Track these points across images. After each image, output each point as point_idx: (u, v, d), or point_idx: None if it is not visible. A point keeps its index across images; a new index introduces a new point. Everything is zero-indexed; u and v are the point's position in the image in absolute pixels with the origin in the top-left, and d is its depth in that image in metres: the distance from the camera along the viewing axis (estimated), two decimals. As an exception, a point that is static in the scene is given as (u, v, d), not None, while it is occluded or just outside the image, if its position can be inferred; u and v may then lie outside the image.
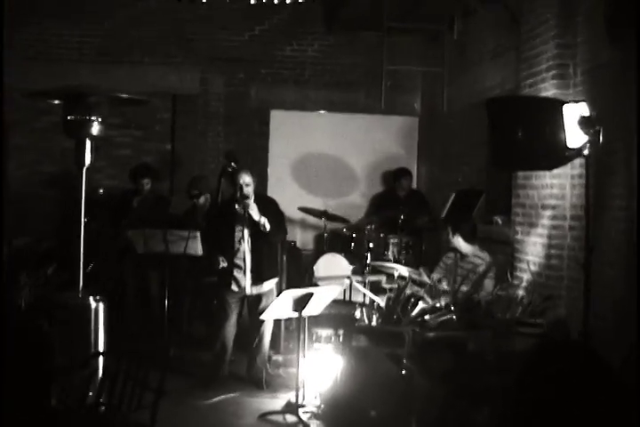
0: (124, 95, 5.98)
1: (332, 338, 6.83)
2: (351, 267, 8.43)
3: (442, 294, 6.02)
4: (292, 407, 6.15)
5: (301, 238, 10.48)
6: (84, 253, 5.98)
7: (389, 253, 8.81)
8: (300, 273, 8.91)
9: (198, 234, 7.45)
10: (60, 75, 9.41)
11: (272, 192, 8.96)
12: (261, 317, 6.49)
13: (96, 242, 8.64)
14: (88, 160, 5.88)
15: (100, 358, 5.19)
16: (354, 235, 9.16)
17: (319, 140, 10.77)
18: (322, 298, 6.20)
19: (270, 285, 7.04)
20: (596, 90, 5.89)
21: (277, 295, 6.43)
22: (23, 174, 9.97)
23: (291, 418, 6.07)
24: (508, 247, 7.27)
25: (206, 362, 7.17)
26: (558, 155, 4.83)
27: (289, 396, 6.43)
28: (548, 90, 6.38)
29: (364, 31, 10.35)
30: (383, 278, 7.62)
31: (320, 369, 6.37)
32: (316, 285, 7.87)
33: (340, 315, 7.03)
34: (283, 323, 7.62)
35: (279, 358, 7.49)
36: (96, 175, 10.03)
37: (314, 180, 10.81)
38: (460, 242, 7.04)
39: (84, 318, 5.72)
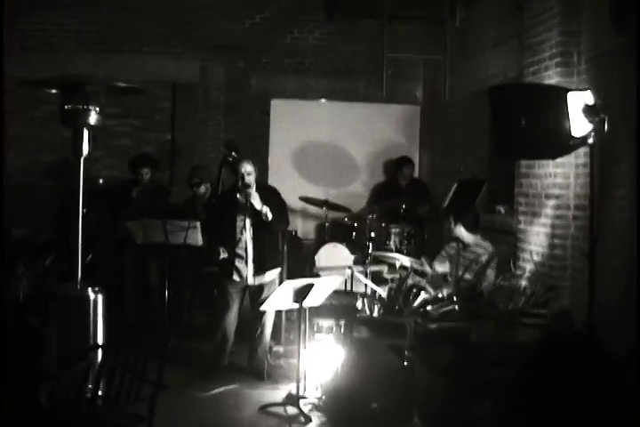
0: (122, 84, 5.90)
1: (334, 329, 6.80)
2: (352, 257, 8.40)
3: (444, 284, 5.98)
4: (292, 399, 6.12)
5: (302, 228, 10.44)
6: (82, 244, 5.91)
7: (391, 242, 8.78)
8: (300, 263, 8.86)
9: (198, 224, 7.40)
10: (58, 64, 9.36)
11: (273, 181, 8.90)
12: (261, 308, 6.44)
13: (95, 233, 8.58)
14: (86, 150, 5.80)
15: (99, 351, 5.15)
16: (355, 224, 9.14)
17: (320, 129, 10.74)
18: (323, 289, 6.15)
19: (272, 275, 6.99)
20: (600, 78, 5.81)
21: (279, 286, 6.37)
22: (22, 164, 9.92)
23: (291, 410, 6.04)
24: (511, 237, 7.22)
25: (206, 353, 7.14)
26: (562, 143, 4.76)
27: (290, 387, 6.40)
28: (552, 78, 6.30)
29: (365, 19, 10.28)
30: (385, 269, 7.57)
31: (321, 360, 6.35)
32: (317, 275, 7.82)
33: (342, 305, 6.98)
34: (284, 313, 7.57)
35: (280, 348, 7.44)
36: (95, 165, 10.01)
37: (315, 169, 10.77)
38: (462, 232, 7.00)
39: (82, 309, 5.66)
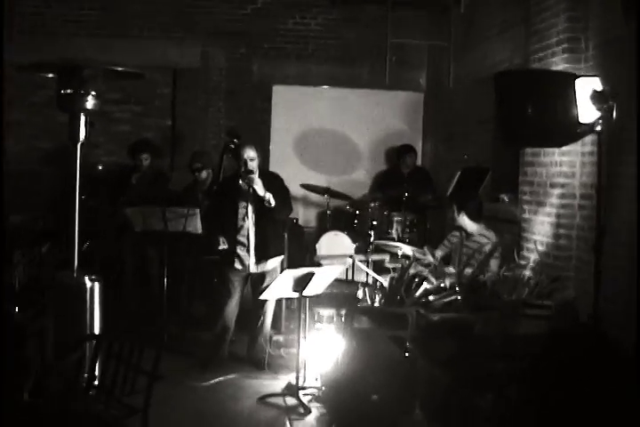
0: (120, 68, 5.79)
1: (334, 318, 6.72)
2: (354, 245, 8.34)
3: (446, 273, 5.90)
4: (292, 390, 6.06)
5: (303, 216, 10.37)
6: (80, 232, 5.81)
7: (393, 231, 8.74)
8: (301, 251, 8.79)
9: (197, 211, 7.34)
10: (57, 49, 9.28)
11: (274, 169, 8.78)
12: (261, 296, 6.35)
13: (94, 219, 8.52)
14: (83, 135, 5.69)
15: (94, 340, 5.06)
16: (357, 212, 9.10)
17: (322, 116, 10.64)
18: (323, 278, 6.08)
19: (275, 263, 6.91)
20: (608, 64, 5.70)
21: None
22: (20, 150, 9.83)
23: (291, 401, 5.98)
24: (515, 226, 7.14)
25: (206, 342, 7.06)
26: (569, 131, 4.66)
27: (289, 377, 6.34)
28: (559, 64, 6.19)
29: (368, 5, 10.18)
30: (387, 257, 7.50)
31: (321, 350, 6.28)
32: (318, 263, 7.74)
33: (343, 294, 6.91)
34: (284, 302, 7.50)
35: (280, 338, 7.37)
36: (95, 151, 9.99)
37: (316, 156, 10.68)
38: (465, 220, 6.94)
39: (79, 297, 5.57)
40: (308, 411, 5.81)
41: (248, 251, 6.78)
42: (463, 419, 4.49)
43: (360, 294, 6.26)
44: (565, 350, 4.35)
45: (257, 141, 7.50)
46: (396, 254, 7.10)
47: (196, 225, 7.36)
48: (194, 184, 8.45)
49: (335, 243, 8.53)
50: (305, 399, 5.93)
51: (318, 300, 6.58)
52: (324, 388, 6.01)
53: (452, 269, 6.36)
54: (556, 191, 6.35)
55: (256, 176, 6.59)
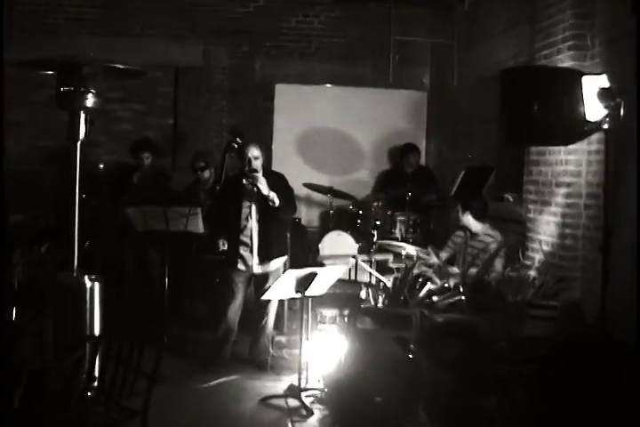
0: (120, 65, 5.72)
1: (337, 319, 6.67)
2: (357, 245, 8.29)
3: (450, 274, 5.85)
4: (294, 391, 6.00)
5: (306, 215, 10.31)
6: (82, 231, 5.75)
7: (396, 231, 8.70)
8: (304, 251, 8.73)
9: (199, 211, 7.29)
10: (58, 47, 9.22)
11: (277, 168, 8.73)
12: (263, 297, 6.29)
13: (96, 219, 8.48)
14: (82, 134, 5.61)
15: (93, 341, 5.00)
16: (360, 212, 9.06)
17: (325, 115, 10.59)
18: (326, 278, 6.03)
19: (278, 263, 6.85)
20: (614, 61, 5.63)
21: (284, 274, 6.25)
22: (20, 150, 9.78)
23: (293, 402, 5.92)
24: (520, 226, 7.08)
25: (208, 343, 6.99)
26: (576, 129, 4.59)
27: (291, 379, 6.30)
28: (564, 61, 6.13)
29: (371, 2, 10.11)
30: (390, 258, 7.45)
31: (324, 351, 6.22)
32: (321, 263, 7.69)
33: (346, 295, 6.85)
34: (286, 302, 7.44)
35: (282, 338, 7.31)
36: (96, 150, 9.95)
37: (319, 155, 10.63)
38: (470, 220, 6.89)
39: (78, 298, 5.51)
40: (310, 413, 5.74)
41: (251, 251, 6.71)
42: (467, 421, 4.44)
43: (363, 294, 6.23)
44: (572, 351, 4.29)
45: (259, 140, 7.43)
46: (400, 254, 7.06)
47: (198, 225, 7.30)
48: (196, 184, 8.40)
49: (338, 243, 8.48)
50: (307, 401, 5.86)
51: (321, 300, 6.53)
52: (326, 389, 5.94)
53: (456, 270, 6.32)
54: (562, 190, 6.29)
55: (260, 175, 6.52)
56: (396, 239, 8.24)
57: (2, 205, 6.96)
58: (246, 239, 6.71)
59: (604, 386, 3.99)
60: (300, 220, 9.61)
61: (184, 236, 7.45)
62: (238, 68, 10.35)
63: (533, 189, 6.81)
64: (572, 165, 6.18)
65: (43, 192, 9.46)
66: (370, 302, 5.95)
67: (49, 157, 9.78)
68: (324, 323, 6.66)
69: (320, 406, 5.83)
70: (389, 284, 5.87)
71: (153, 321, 7.25)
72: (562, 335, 4.73)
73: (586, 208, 6.09)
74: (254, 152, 6.59)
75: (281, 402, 5.96)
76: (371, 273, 6.72)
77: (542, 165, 6.62)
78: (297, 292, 5.96)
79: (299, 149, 10.61)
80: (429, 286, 5.61)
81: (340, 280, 6.43)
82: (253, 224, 6.69)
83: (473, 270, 5.74)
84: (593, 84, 4.54)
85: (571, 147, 5.89)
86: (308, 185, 9.22)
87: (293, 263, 7.31)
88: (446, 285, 5.62)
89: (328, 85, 10.57)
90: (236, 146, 6.63)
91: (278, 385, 6.31)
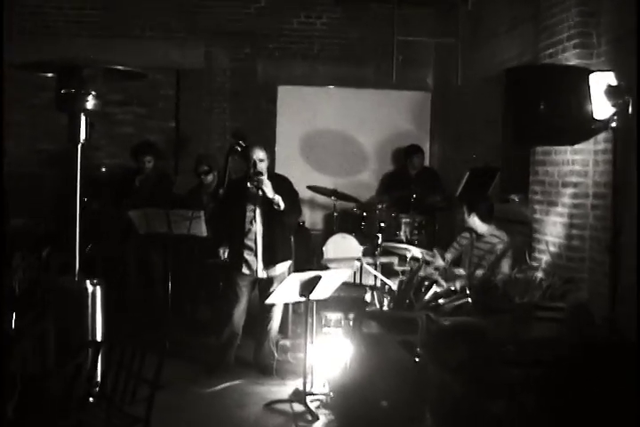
0: (120, 67, 5.67)
1: (342, 322, 6.61)
2: (362, 248, 8.22)
3: (457, 276, 5.78)
4: (299, 396, 5.93)
5: (310, 218, 10.26)
6: (84, 235, 5.69)
7: (401, 233, 8.66)
8: (308, 254, 8.67)
9: (202, 214, 7.25)
10: (58, 49, 9.16)
11: (280, 171, 8.69)
12: (267, 301, 6.23)
13: (97, 222, 8.43)
14: (83, 136, 5.55)
15: (95, 347, 4.94)
16: (364, 214, 9.02)
17: (328, 117, 10.56)
18: (331, 281, 5.96)
19: (283, 268, 6.79)
20: (621, 60, 5.55)
21: (288, 278, 6.19)
22: (21, 153, 9.73)
23: (298, 407, 5.85)
24: (526, 227, 7.02)
25: (212, 348, 6.93)
26: (584, 128, 4.51)
27: (296, 383, 6.21)
28: (570, 60, 6.07)
29: (374, 3, 10.06)
30: (395, 260, 7.40)
31: (329, 355, 6.16)
32: (326, 267, 7.63)
33: (350, 298, 6.78)
34: (290, 306, 7.36)
35: (287, 342, 7.23)
36: (98, 154, 9.93)
37: (323, 158, 10.60)
38: (476, 222, 6.83)
39: (80, 302, 5.45)
40: (315, 418, 5.68)
41: (255, 255, 6.66)
42: (474, 425, 4.37)
43: (368, 297, 6.17)
44: (580, 354, 4.23)
45: (262, 143, 7.38)
46: (405, 257, 6.99)
47: (201, 228, 7.26)
48: (199, 187, 8.35)
49: (342, 246, 8.41)
50: (313, 406, 5.80)
51: (326, 303, 6.46)
52: (332, 394, 5.88)
53: (462, 272, 6.26)
54: (569, 191, 6.22)
55: (265, 178, 6.46)
56: (401, 241, 8.17)
57: (3, 209, 6.91)
58: (250, 243, 6.65)
59: (614, 389, 3.92)
60: (303, 223, 9.55)
61: (187, 239, 7.40)
62: (240, 70, 10.29)
63: (539, 189, 6.75)
64: (578, 164, 6.11)
65: (44, 195, 9.41)
66: (375, 305, 5.87)
67: (49, 159, 9.73)
68: (328, 326, 6.60)
69: (325, 411, 5.77)
70: (395, 287, 5.81)
71: (155, 326, 7.20)
72: (570, 337, 4.67)
73: (593, 208, 6.02)
74: (259, 154, 6.54)
75: (286, 407, 5.90)
76: (376, 276, 6.66)
77: (548, 165, 6.56)
78: (301, 295, 5.89)
79: (302, 151, 10.58)
80: (435, 288, 5.54)
81: (344, 283, 6.36)
82: (258, 228, 6.63)
83: (479, 272, 5.68)
84: (601, 82, 4.46)
85: (577, 146, 5.83)
86: (311, 187, 9.16)
87: (297, 267, 7.24)
88: (452, 287, 5.56)
89: (331, 87, 10.54)
90: (239, 149, 6.59)
91: (283, 390, 6.24)
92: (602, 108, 4.46)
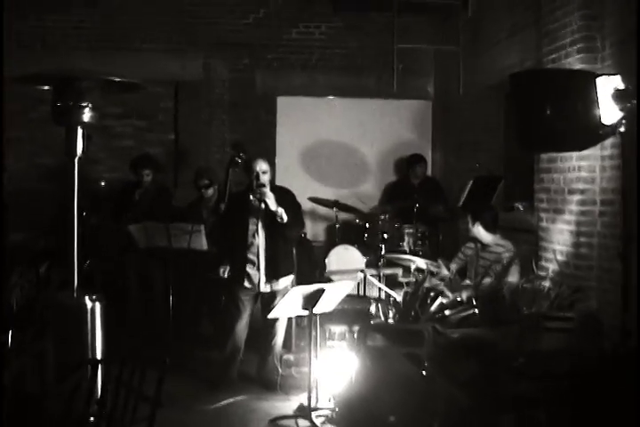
0: (117, 78, 5.58)
1: (347, 335, 6.51)
2: (365, 259, 8.14)
3: (462, 287, 5.70)
4: (304, 411, 5.84)
5: (312, 230, 10.19)
6: (84, 250, 5.61)
7: (405, 243, 8.58)
8: (311, 266, 8.57)
9: (202, 227, 7.20)
10: (57, 63, 9.08)
11: (281, 182, 8.61)
12: (269, 315, 6.13)
13: (97, 237, 8.35)
14: (80, 150, 5.46)
15: (94, 364, 4.84)
16: (367, 225, 8.94)
17: (329, 128, 10.49)
18: (334, 294, 5.87)
19: (286, 282, 6.70)
20: (627, 63, 5.45)
21: (291, 292, 6.09)
22: (20, 167, 9.66)
23: (303, 423, 5.76)
24: (532, 236, 6.93)
25: (215, 363, 6.84)
26: (591, 133, 4.40)
27: (301, 398, 6.14)
28: (574, 65, 5.98)
29: (372, 12, 10.02)
30: (399, 271, 7.31)
31: (334, 369, 6.06)
32: (329, 279, 7.54)
33: (355, 310, 6.70)
34: (294, 319, 7.27)
35: (290, 356, 7.15)
36: (97, 167, 9.87)
37: (324, 169, 10.54)
38: (480, 231, 6.74)
39: (79, 319, 5.35)
40: (321, 433, 5.58)
41: (258, 269, 6.57)
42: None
43: (373, 309, 6.06)
44: (593, 366, 4.13)
45: (262, 154, 7.32)
46: (409, 268, 6.90)
47: (201, 242, 7.21)
48: (199, 201, 8.28)
49: (345, 257, 8.34)
50: (318, 421, 5.71)
51: (329, 316, 6.40)
52: (337, 409, 5.77)
53: (468, 282, 6.17)
54: (575, 198, 6.13)
55: (268, 190, 6.38)
56: (405, 252, 8.12)
57: (2, 224, 6.83)
58: (253, 257, 6.57)
59: (628, 402, 3.83)
60: (305, 234, 9.47)
61: (187, 253, 7.33)
62: (239, 81, 10.22)
63: (545, 197, 6.66)
64: (585, 171, 6.02)
65: (43, 210, 9.32)
66: (380, 317, 5.79)
67: (48, 174, 9.67)
68: (333, 340, 6.52)
69: (331, 427, 5.68)
70: (399, 298, 5.72)
71: (156, 341, 7.10)
72: (580, 348, 4.57)
73: (601, 215, 5.92)
74: (262, 166, 6.47)
75: (291, 423, 5.81)
76: (380, 288, 6.56)
77: (554, 172, 6.47)
78: (304, 309, 5.79)
79: (302, 162, 10.51)
80: (441, 299, 5.47)
81: (348, 295, 6.28)
82: (260, 241, 6.55)
83: (488, 279, 5.59)
84: (608, 86, 4.36)
85: (583, 153, 5.74)
86: (313, 199, 9.10)
87: (300, 280, 7.16)
88: (458, 298, 5.48)
89: (331, 97, 10.48)
90: (239, 161, 6.51)
91: (288, 405, 6.15)
92: (609, 112, 4.35)
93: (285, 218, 6.36)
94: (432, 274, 6.31)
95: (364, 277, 7.40)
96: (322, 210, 9.73)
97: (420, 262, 6.75)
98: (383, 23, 9.65)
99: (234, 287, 6.66)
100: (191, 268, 7.81)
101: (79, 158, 5.37)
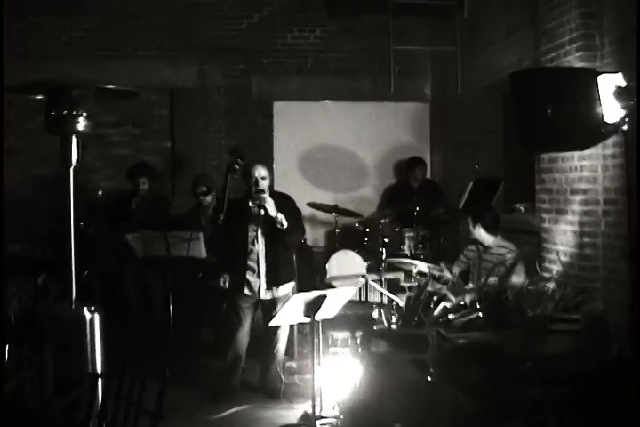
0: (110, 86, 5.52)
1: (349, 341, 6.43)
2: (366, 264, 8.08)
3: (466, 290, 5.62)
4: (309, 419, 5.75)
5: (311, 235, 10.12)
6: (81, 260, 5.53)
7: (406, 247, 8.53)
8: (311, 273, 8.51)
9: (201, 235, 7.15)
10: (50, 71, 9.01)
11: (279, 188, 8.58)
12: (271, 323, 6.05)
13: (94, 247, 8.29)
14: (75, 159, 5.39)
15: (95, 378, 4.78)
16: (367, 230, 8.91)
17: (326, 132, 10.45)
18: (336, 300, 5.78)
19: (287, 289, 6.65)
20: (627, 61, 5.39)
21: (291, 299, 6.03)
22: (16, 178, 9.57)
23: (308, 431, 5.68)
24: (534, 237, 6.87)
25: (217, 372, 6.78)
26: (593, 132, 4.33)
27: (305, 406, 6.07)
28: (573, 63, 5.93)
29: (367, 14, 9.97)
30: (401, 276, 7.24)
31: (338, 376, 5.98)
32: (330, 285, 7.47)
33: (357, 316, 6.62)
34: (296, 326, 7.20)
35: (293, 364, 7.08)
36: (94, 177, 9.83)
37: (322, 173, 10.51)
38: (481, 233, 6.70)
39: (78, 330, 5.28)
40: (326, 442, 5.51)
41: (258, 276, 6.52)
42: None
43: (375, 315, 6.00)
44: (603, 370, 4.07)
45: (260, 160, 7.27)
46: (411, 272, 6.83)
47: (200, 250, 7.16)
48: (197, 208, 8.21)
49: (346, 262, 8.28)
50: (323, 430, 5.63)
51: (332, 323, 6.30)
52: (342, 416, 5.68)
53: (471, 286, 6.10)
54: (578, 198, 6.07)
55: (267, 196, 6.32)
56: (406, 256, 8.07)
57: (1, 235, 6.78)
58: (253, 264, 6.52)
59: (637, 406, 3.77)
60: (305, 240, 9.41)
61: (187, 261, 7.28)
62: (234, 86, 10.18)
63: (547, 197, 6.60)
64: (587, 170, 5.96)
65: (39, 221, 9.26)
66: (383, 323, 5.70)
67: (44, 185, 9.61)
68: (335, 346, 6.43)
69: (336, 435, 5.60)
70: (402, 303, 5.65)
71: (157, 351, 7.03)
72: (588, 351, 4.51)
73: (604, 215, 5.86)
74: (261, 172, 6.42)
75: (296, 432, 5.75)
76: (382, 293, 6.50)
77: (555, 172, 6.42)
78: (306, 316, 5.71)
79: (300, 167, 10.47)
80: (444, 303, 5.38)
81: (350, 301, 6.20)
82: (260, 248, 6.50)
83: (492, 280, 5.53)
84: (609, 84, 4.29)
85: (585, 152, 5.69)
86: (312, 204, 9.04)
87: (301, 286, 7.10)
88: (462, 302, 5.40)
89: (327, 101, 10.44)
90: (237, 167, 6.44)
91: (292, 414, 6.10)
92: (612, 110, 4.29)
93: (285, 224, 6.31)
94: (434, 278, 6.24)
95: (366, 282, 7.34)
96: (321, 215, 9.68)
97: (422, 266, 6.69)
98: (378, 25, 9.59)
99: (234, 295, 6.61)
100: (190, 276, 7.77)
101: (74, 168, 5.31)
